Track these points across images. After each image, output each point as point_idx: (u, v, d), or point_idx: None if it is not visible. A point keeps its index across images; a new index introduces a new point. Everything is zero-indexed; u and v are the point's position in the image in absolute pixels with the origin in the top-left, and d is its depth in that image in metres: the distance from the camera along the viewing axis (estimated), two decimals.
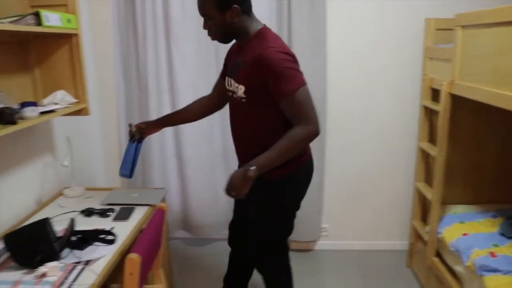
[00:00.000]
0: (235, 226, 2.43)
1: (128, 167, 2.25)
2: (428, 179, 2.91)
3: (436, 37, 2.81)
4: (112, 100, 3.22)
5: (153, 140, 3.14)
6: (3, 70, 2.09)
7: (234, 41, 2.03)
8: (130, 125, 2.28)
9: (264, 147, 1.86)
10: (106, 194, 2.47)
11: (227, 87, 2.07)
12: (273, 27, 2.95)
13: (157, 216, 1.91)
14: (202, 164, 3.20)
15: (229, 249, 2.48)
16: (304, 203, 3.12)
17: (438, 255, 2.64)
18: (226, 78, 2.07)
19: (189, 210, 3.32)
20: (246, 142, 2.07)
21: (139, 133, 2.28)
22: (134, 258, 1.52)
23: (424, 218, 3.03)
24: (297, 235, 3.27)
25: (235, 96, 1.98)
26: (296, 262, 3.15)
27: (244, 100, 1.92)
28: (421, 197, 3.00)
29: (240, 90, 1.90)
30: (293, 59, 1.85)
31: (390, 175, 3.23)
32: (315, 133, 1.83)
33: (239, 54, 1.98)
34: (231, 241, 2.47)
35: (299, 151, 1.89)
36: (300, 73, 1.84)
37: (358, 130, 3.16)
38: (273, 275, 2.26)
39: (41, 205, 2.36)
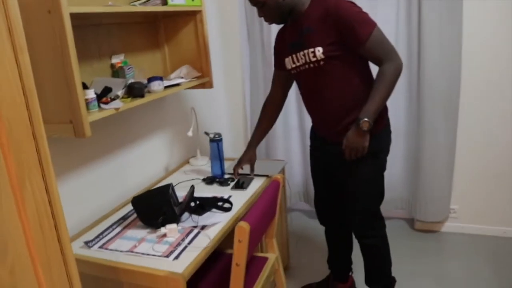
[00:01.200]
0: (320, 203, 2.42)
1: (218, 167, 2.40)
2: None
3: None
4: (237, 72, 3.34)
5: None
6: (137, 48, 2.29)
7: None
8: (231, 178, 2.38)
9: (354, 106, 1.97)
10: (228, 164, 2.59)
11: (294, 65, 2.07)
12: None
13: (272, 187, 1.95)
14: None
15: None
16: (432, 181, 2.99)
17: None
18: (289, 58, 2.08)
19: (310, 182, 3.33)
20: (336, 108, 2.04)
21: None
22: (244, 226, 1.58)
23: None
24: (423, 215, 3.12)
25: (311, 65, 1.98)
26: (420, 243, 3.05)
27: (322, 62, 1.94)
28: None
29: (318, 52, 1.92)
30: (356, 4, 1.92)
31: None
32: (401, 64, 1.92)
33: (300, 26, 1.99)
34: (322, 218, 2.46)
35: (394, 87, 1.92)
36: (368, 15, 1.91)
37: (495, 103, 2.83)
38: (375, 242, 2.24)
39: (169, 172, 2.57)
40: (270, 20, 2.04)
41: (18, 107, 0.91)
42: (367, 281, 2.34)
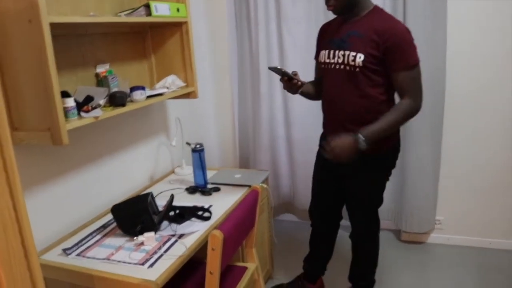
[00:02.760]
0: (319, 203, 2.44)
1: (201, 177, 2.41)
2: None
3: None
4: (226, 83, 3.35)
5: (263, 122, 3.22)
6: (124, 57, 2.32)
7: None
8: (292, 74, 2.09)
9: (368, 120, 1.98)
10: (213, 173, 2.61)
11: (327, 60, 2.09)
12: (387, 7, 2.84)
13: (250, 197, 1.97)
14: (312, 147, 3.19)
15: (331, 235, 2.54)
16: (417, 192, 3.01)
17: None
18: (325, 51, 2.10)
19: (297, 193, 3.36)
20: (353, 116, 2.06)
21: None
22: (217, 234, 1.59)
23: None
24: (409, 226, 3.13)
25: (346, 67, 2.00)
26: (406, 254, 3.06)
27: (358, 69, 1.97)
28: None
29: (359, 58, 1.95)
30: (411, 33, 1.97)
31: None
32: (419, 109, 1.98)
33: (351, 26, 2.02)
34: (315, 217, 2.49)
35: (402, 124, 2.01)
36: (417, 49, 1.97)
37: (479, 118, 2.87)
38: (371, 249, 2.37)
39: (154, 181, 2.59)
40: (335, 4, 1.99)
41: None
42: (351, 277, 2.47)
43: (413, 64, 1.94)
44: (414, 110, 1.98)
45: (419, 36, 2.72)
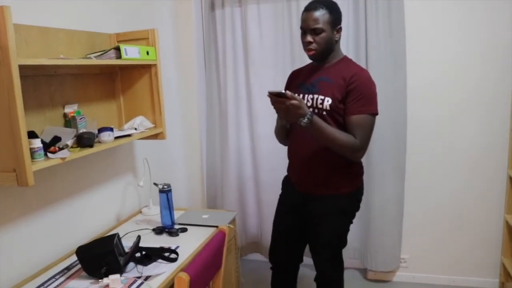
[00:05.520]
0: (280, 253, 2.45)
1: (168, 218, 2.42)
2: None
3: None
4: (194, 124, 3.39)
5: (231, 163, 3.26)
6: (92, 98, 2.34)
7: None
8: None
9: (342, 163, 2.07)
10: (180, 214, 2.61)
11: None
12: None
13: (217, 238, 1.98)
14: (279, 188, 3.23)
15: (304, 275, 2.56)
16: (382, 232, 3.07)
17: None
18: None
19: (264, 233, 3.37)
20: (323, 159, 2.10)
21: None
22: (183, 277, 1.60)
23: None
24: (374, 264, 3.17)
25: (315, 110, 2.05)
26: None
27: (325, 112, 2.04)
28: None
29: (327, 102, 2.03)
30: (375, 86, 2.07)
31: (477, 206, 2.99)
32: (358, 157, 2.07)
33: (319, 74, 2.13)
34: (276, 264, 2.49)
35: (336, 150, 2.01)
36: (377, 102, 2.05)
37: (440, 156, 3.00)
38: (333, 282, 2.34)
39: (120, 222, 2.57)
40: (317, 48, 2.04)
41: None
42: None
43: (371, 112, 2.01)
44: (356, 150, 2.00)
45: (381, 80, 2.84)
